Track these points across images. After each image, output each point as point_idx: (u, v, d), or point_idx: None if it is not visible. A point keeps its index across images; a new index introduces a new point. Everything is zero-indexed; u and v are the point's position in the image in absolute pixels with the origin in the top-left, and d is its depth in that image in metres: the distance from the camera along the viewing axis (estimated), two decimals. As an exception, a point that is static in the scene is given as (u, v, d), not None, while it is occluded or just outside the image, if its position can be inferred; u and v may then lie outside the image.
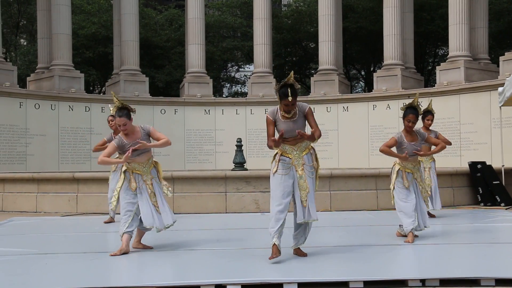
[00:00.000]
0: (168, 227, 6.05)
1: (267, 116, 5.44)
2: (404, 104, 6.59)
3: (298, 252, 5.57)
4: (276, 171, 5.40)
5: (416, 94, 6.61)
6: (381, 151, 6.53)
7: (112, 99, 5.99)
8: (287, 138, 5.42)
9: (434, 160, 9.14)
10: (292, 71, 5.71)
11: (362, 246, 6.14)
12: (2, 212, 11.03)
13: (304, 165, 5.43)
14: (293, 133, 5.38)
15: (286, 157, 5.44)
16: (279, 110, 5.43)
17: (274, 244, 5.27)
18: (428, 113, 8.69)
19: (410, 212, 6.40)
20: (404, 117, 6.47)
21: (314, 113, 5.56)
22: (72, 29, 18.62)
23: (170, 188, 6.21)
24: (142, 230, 6.14)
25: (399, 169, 6.59)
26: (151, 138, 6.05)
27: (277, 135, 5.37)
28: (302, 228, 5.53)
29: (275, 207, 5.35)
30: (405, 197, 6.48)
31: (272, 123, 5.42)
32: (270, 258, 5.22)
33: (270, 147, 5.34)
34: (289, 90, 5.21)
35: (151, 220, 5.90)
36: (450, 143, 8.72)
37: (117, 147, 5.89)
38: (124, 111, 5.83)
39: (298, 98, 5.42)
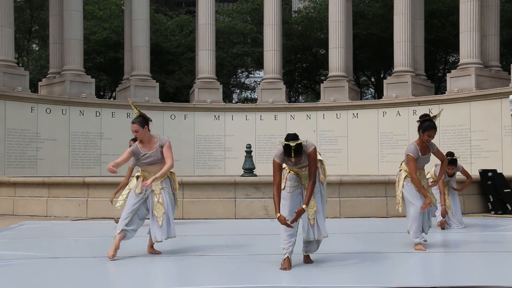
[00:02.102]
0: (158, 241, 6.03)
1: (274, 160, 5.24)
2: (420, 118, 6.30)
3: (308, 260, 5.56)
4: (284, 188, 5.38)
5: (441, 109, 6.36)
6: (412, 179, 6.35)
7: (131, 106, 6.19)
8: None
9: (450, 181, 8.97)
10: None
11: (372, 253, 6.12)
12: (13, 216, 11.11)
13: None
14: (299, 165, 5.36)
15: (294, 174, 5.41)
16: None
17: (288, 257, 5.27)
18: (452, 163, 8.54)
19: (421, 226, 6.37)
20: (424, 130, 6.17)
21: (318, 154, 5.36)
22: (84, 34, 18.73)
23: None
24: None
25: (406, 176, 6.58)
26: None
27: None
28: (312, 241, 5.50)
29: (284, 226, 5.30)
30: (416, 199, 6.38)
31: (279, 167, 5.24)
32: (280, 269, 5.21)
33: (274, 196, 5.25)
34: (292, 152, 5.05)
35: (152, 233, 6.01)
36: (471, 178, 9.27)
37: (131, 153, 6.02)
38: (139, 118, 5.99)
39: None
